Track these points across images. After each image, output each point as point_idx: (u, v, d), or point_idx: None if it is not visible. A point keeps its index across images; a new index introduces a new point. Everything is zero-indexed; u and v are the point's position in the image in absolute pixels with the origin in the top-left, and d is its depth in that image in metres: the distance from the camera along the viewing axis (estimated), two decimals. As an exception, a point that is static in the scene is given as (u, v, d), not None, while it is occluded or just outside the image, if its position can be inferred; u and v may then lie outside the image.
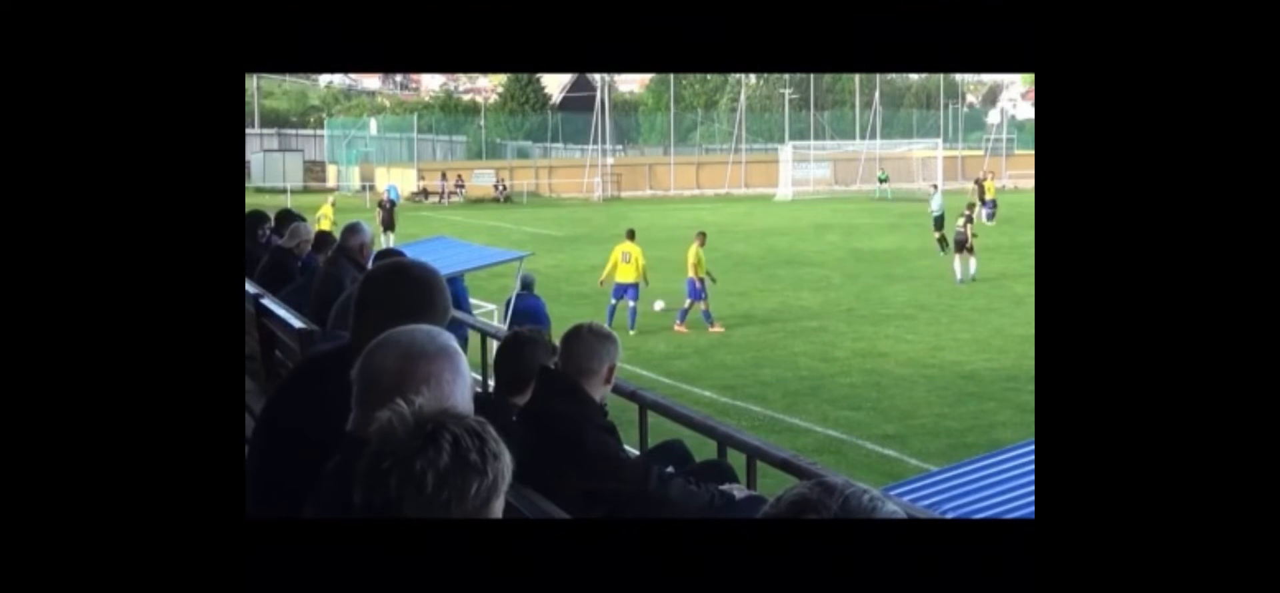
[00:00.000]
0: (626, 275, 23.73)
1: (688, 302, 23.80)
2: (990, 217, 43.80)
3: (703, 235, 24.73)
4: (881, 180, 57.91)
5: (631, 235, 24.68)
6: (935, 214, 36.50)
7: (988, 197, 45.31)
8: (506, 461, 2.19)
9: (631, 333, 22.45)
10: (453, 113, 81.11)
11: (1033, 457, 8.84)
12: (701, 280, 23.61)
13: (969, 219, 29.97)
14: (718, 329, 23.25)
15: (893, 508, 1.81)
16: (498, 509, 2.18)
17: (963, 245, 29.33)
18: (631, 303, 23.50)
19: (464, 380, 2.77)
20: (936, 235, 34.99)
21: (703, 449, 5.26)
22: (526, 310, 18.09)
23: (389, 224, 37.75)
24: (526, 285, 19.36)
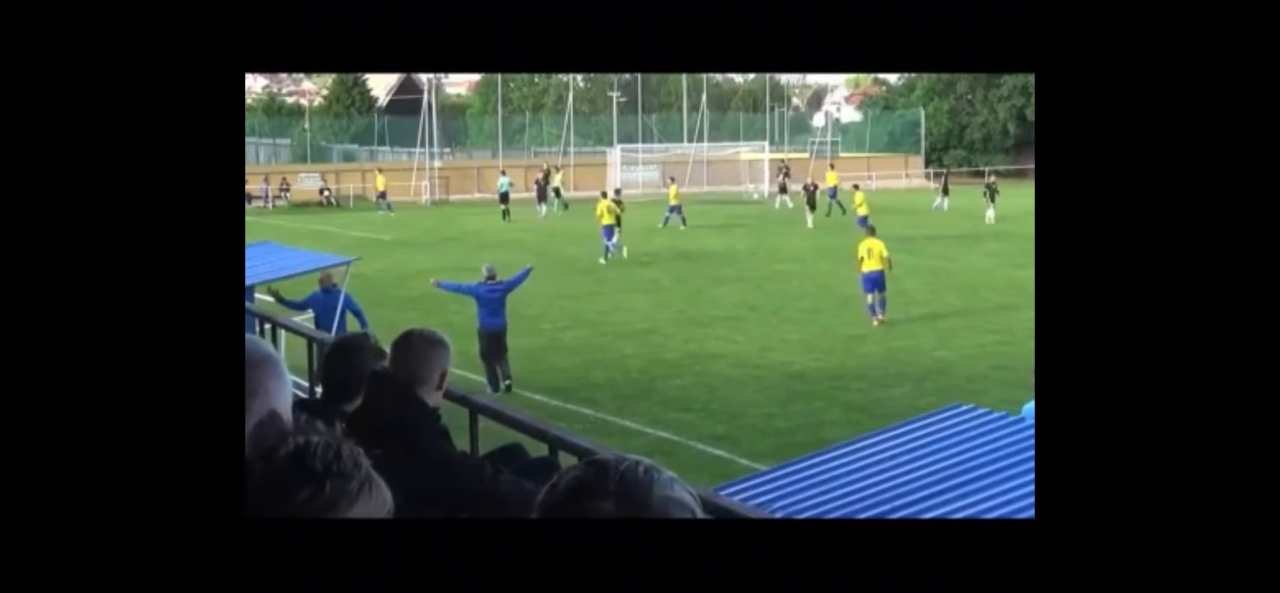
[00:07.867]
0: (872, 265, 25.53)
1: (870, 295, 24.57)
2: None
3: (872, 230, 26.07)
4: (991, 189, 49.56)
5: (872, 231, 26.75)
6: (501, 191, 49.90)
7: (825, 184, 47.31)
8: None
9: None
10: (276, 115, 79.62)
11: (858, 455, 9.01)
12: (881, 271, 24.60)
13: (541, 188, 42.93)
14: (880, 319, 24.11)
15: (670, 477, 1.79)
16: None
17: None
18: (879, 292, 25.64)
19: (287, 386, 2.76)
20: (502, 208, 48.23)
21: (534, 452, 5.25)
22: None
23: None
24: (491, 275, 19.61)
